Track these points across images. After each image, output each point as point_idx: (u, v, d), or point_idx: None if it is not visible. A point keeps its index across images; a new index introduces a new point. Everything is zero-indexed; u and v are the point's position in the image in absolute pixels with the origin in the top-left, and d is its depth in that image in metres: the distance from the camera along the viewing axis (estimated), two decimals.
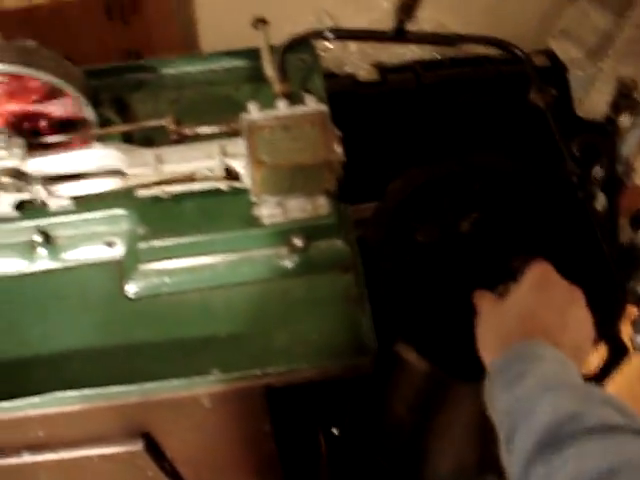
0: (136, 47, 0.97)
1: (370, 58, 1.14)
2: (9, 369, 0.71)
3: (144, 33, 0.97)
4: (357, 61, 1.12)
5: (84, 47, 0.76)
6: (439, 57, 1.14)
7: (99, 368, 0.70)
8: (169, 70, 0.88)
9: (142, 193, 0.71)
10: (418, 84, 1.10)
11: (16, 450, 0.80)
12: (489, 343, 0.65)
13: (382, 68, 1.11)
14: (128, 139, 0.75)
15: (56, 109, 0.72)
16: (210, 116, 0.75)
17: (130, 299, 0.73)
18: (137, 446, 0.80)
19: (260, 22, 0.86)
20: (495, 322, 0.65)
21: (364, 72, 1.11)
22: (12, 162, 0.69)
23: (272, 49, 0.82)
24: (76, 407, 0.71)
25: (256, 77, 0.84)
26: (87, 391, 0.69)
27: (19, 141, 0.68)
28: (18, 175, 0.69)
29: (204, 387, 0.71)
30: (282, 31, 0.84)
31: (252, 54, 0.86)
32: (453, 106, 1.09)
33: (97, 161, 0.69)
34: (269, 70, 0.80)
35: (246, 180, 0.69)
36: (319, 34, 0.79)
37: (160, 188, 0.70)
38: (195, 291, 0.73)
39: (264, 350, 0.70)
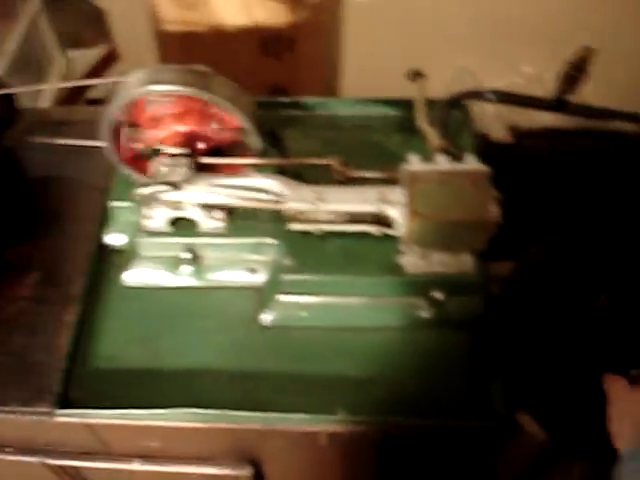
0: (283, 83, 1.01)
1: (505, 119, 1.14)
2: (140, 378, 0.73)
3: (294, 71, 1.01)
4: (492, 121, 1.13)
5: (234, 76, 0.79)
6: (574, 125, 1.13)
7: (226, 390, 0.72)
8: (321, 110, 0.90)
9: (294, 227, 0.73)
10: (552, 151, 1.09)
11: (128, 457, 0.82)
12: (623, 430, 0.64)
13: (516, 131, 1.12)
14: (281, 172, 0.77)
15: (220, 134, 0.75)
16: (363, 160, 0.77)
17: (264, 327, 0.75)
18: (244, 471, 0.81)
19: (417, 75, 0.87)
20: (630, 410, 0.64)
21: (498, 133, 1.12)
22: (175, 179, 0.72)
23: (427, 102, 0.84)
24: (197, 425, 0.72)
25: (407, 127, 0.86)
26: (212, 412, 0.70)
27: (185, 161, 0.71)
28: (178, 193, 0.72)
29: (326, 425, 0.71)
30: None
31: (404, 104, 0.88)
32: (585, 177, 1.08)
33: (257, 189, 0.72)
34: (423, 123, 0.81)
35: (398, 228, 0.70)
36: (480, 94, 0.80)
37: (313, 224, 0.72)
38: (328, 329, 0.74)
39: (391, 398, 0.70)
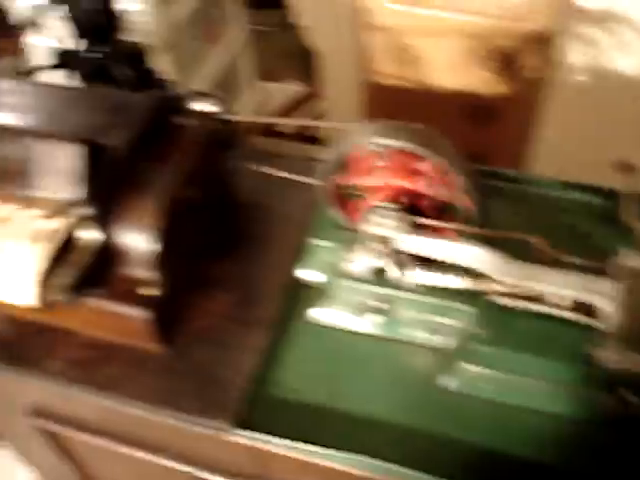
0: (484, 153, 1.02)
1: None
2: (316, 415, 0.74)
3: (496, 141, 1.02)
4: None
5: None
6: None
7: (396, 445, 0.72)
8: (524, 185, 0.91)
9: (492, 299, 0.73)
10: None
11: None
12: None
13: None
14: (486, 242, 0.77)
15: (433, 194, 0.77)
16: (562, 244, 0.76)
17: (442, 390, 0.75)
18: None
19: (626, 167, 0.86)
20: None
21: None
22: (391, 234, 0.74)
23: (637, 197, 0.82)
24: (361, 473, 0.73)
25: (611, 219, 0.85)
26: (381, 463, 0.70)
27: (408, 218, 0.73)
28: (389, 247, 0.74)
29: None
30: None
31: (610, 195, 0.87)
32: None
33: (464, 256, 0.73)
34: (630, 219, 0.80)
35: (604, 320, 0.69)
36: None
37: (512, 299, 0.72)
38: (505, 406, 0.73)
39: None
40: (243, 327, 0.81)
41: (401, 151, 0.74)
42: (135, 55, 1.03)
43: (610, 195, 0.88)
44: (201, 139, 0.80)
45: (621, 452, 0.70)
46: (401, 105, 1.05)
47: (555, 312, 0.72)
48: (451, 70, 1.01)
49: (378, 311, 0.78)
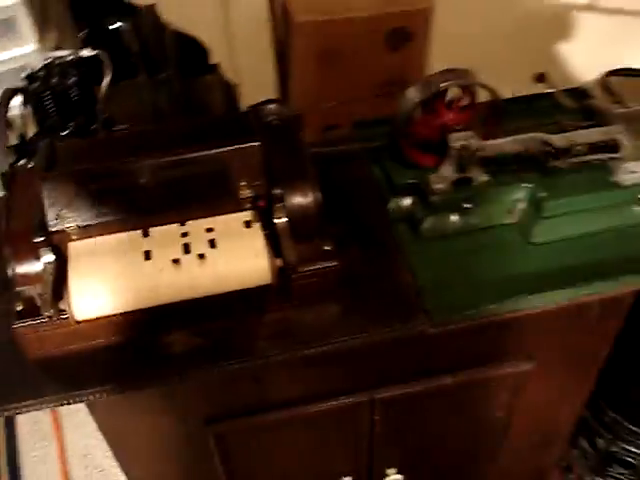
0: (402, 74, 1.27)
1: None
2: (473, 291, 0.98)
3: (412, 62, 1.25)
4: None
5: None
6: None
7: None
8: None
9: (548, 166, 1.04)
10: None
11: None
12: None
13: None
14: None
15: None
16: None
17: (534, 244, 1.04)
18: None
19: (541, 77, 1.22)
20: None
21: None
22: (473, 144, 1.00)
23: None
24: None
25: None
26: None
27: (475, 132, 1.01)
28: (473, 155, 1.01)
29: None
30: None
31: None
32: None
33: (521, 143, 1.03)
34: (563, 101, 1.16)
35: (622, 150, 1.03)
36: None
37: (560, 162, 1.03)
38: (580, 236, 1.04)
39: None
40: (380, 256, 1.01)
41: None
42: None
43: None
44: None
45: None
46: (329, 37, 1.31)
47: (589, 158, 1.04)
48: None
49: (470, 210, 1.04)
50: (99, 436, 1.01)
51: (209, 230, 0.85)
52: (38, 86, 1.20)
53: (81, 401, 0.86)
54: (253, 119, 0.93)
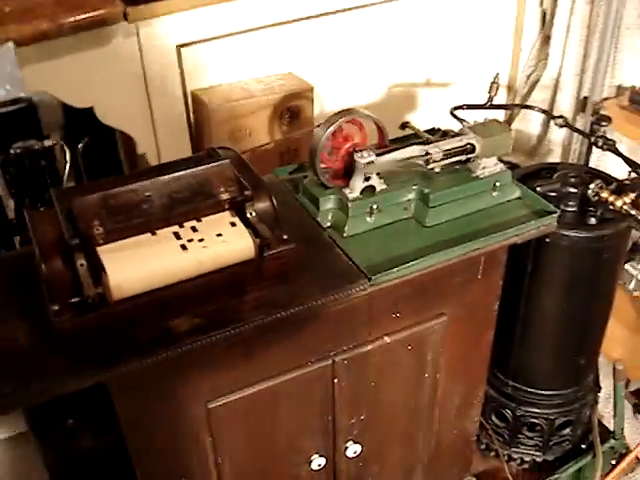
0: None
1: None
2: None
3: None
4: None
5: None
6: None
7: None
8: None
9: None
10: None
11: None
12: None
13: None
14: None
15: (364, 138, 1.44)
16: None
17: (425, 226, 1.41)
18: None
19: (405, 125, 1.66)
20: None
21: None
22: (373, 159, 1.38)
23: None
24: None
25: None
26: None
27: (374, 150, 1.39)
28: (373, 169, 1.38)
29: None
30: None
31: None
32: None
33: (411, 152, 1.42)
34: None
35: (478, 150, 1.44)
36: None
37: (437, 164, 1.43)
38: (458, 218, 1.42)
39: None
40: (322, 249, 1.33)
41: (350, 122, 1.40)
42: None
43: None
44: None
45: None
46: (237, 118, 1.72)
47: (455, 159, 1.45)
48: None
49: (377, 210, 1.40)
50: None
51: (200, 224, 1.15)
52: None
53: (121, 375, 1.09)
54: (214, 153, 1.26)
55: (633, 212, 1.43)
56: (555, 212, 1.45)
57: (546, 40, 2.27)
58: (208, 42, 1.78)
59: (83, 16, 1.54)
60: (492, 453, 2.00)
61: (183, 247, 1.11)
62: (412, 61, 2.13)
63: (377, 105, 2.00)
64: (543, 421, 1.87)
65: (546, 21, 2.22)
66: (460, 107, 1.67)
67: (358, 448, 1.53)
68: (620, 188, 1.53)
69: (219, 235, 1.14)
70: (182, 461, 1.34)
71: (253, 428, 1.37)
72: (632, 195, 1.46)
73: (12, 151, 1.55)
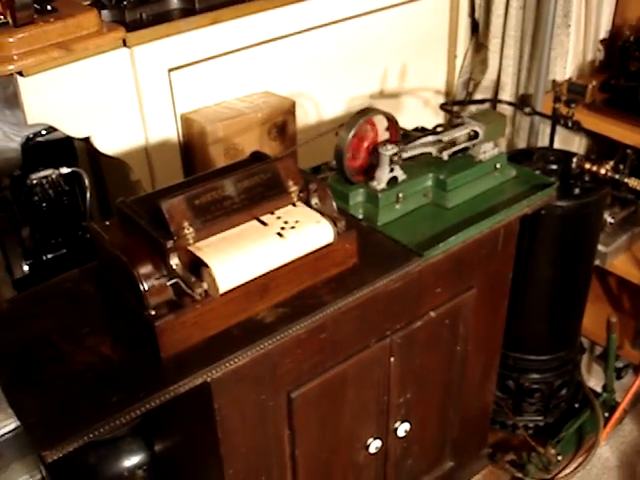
0: None
1: None
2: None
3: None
4: None
5: None
6: None
7: None
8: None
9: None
10: None
11: None
12: None
13: None
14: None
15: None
16: None
17: (446, 208, 1.53)
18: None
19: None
20: None
21: None
22: (397, 150, 1.49)
23: None
24: None
25: None
26: None
27: (396, 143, 1.50)
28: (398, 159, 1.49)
29: None
30: None
31: None
32: None
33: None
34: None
35: (481, 136, 1.58)
36: None
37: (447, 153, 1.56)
38: (472, 198, 1.56)
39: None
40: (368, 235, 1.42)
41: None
42: None
43: None
44: None
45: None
46: (231, 135, 1.80)
47: (463, 146, 1.59)
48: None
49: (402, 199, 1.51)
50: None
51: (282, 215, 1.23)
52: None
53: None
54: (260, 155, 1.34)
55: (617, 176, 1.63)
56: (553, 183, 1.63)
57: (479, 47, 2.50)
58: (194, 65, 1.84)
59: (85, 43, 1.56)
60: (497, 426, 2.13)
61: (279, 234, 1.18)
62: (368, 74, 2.28)
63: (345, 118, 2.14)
64: (544, 385, 2.03)
65: (479, 29, 2.45)
66: (446, 103, 1.83)
67: (407, 426, 1.61)
68: (599, 158, 1.74)
69: (301, 223, 1.20)
70: (263, 460, 1.37)
71: (324, 417, 1.43)
72: (611, 162, 1.66)
73: (29, 181, 1.53)
